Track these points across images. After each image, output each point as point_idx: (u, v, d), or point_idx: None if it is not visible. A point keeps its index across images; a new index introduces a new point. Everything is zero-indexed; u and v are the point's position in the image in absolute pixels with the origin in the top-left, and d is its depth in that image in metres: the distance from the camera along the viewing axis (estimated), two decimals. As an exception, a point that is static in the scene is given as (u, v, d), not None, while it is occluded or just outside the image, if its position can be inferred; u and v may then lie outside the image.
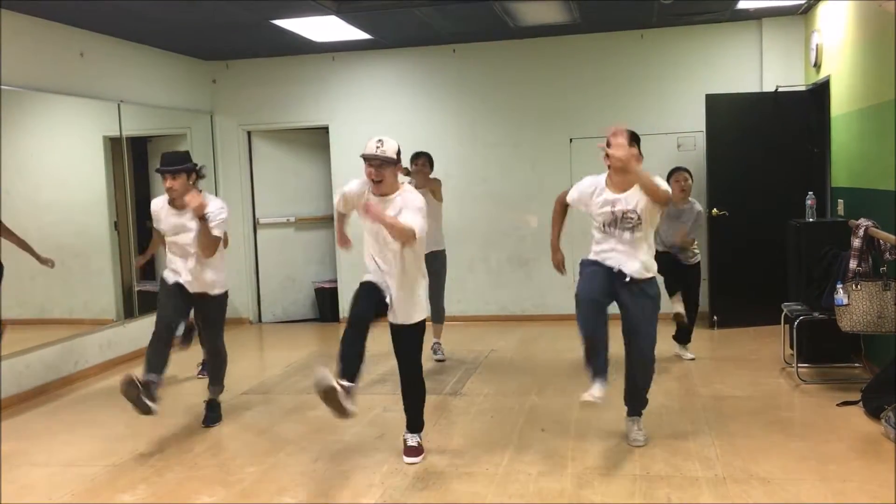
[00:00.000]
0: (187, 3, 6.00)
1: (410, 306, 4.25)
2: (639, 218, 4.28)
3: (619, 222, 4.31)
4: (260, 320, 8.97)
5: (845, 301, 4.94)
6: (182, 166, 4.77)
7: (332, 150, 8.58)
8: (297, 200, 8.93)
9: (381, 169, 4.08)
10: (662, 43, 7.85)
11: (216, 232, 4.73)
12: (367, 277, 4.22)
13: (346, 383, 3.93)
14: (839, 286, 4.98)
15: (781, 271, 6.45)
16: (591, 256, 4.45)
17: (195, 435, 4.88)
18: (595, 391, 4.12)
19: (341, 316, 8.64)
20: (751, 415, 4.82)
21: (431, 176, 6.44)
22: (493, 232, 8.34)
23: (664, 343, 6.34)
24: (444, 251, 6.46)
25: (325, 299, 8.85)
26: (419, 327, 4.31)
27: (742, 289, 7.24)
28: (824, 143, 6.89)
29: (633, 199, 4.28)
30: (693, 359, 6.23)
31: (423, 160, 6.40)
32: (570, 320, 7.87)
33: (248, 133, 8.82)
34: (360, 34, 7.39)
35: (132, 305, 7.31)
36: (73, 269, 6.77)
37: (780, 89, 7.28)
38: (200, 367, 6.28)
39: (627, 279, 4.28)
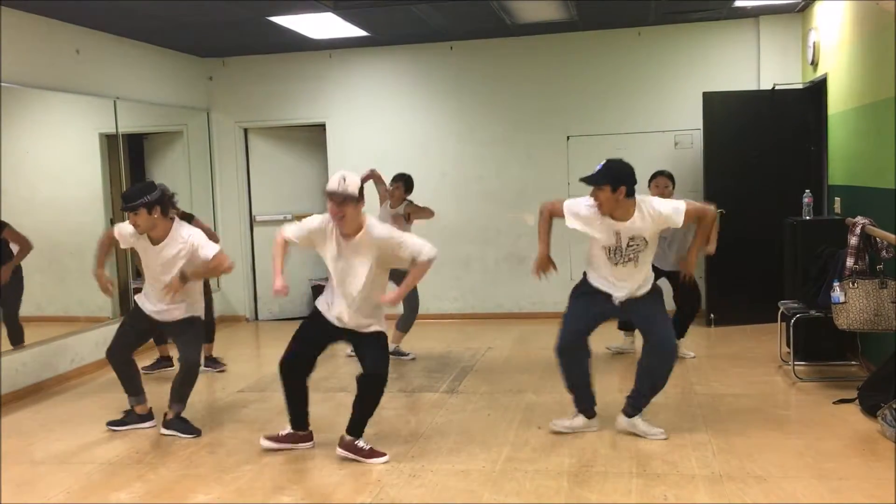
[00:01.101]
0: (184, 1, 5.98)
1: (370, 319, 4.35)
2: (646, 242, 4.30)
3: (624, 250, 4.31)
4: (256, 318, 8.95)
5: (842, 299, 4.94)
6: (137, 202, 4.46)
7: (329, 148, 8.57)
8: (293, 198, 8.91)
9: (342, 206, 4.09)
10: (660, 41, 7.85)
11: (206, 252, 4.65)
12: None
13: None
14: (836, 284, 4.98)
15: (778, 269, 6.45)
16: (592, 280, 4.47)
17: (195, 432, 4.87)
18: (574, 423, 4.56)
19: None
20: (747, 413, 4.83)
21: (416, 202, 6.61)
22: (490, 230, 8.33)
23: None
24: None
25: (322, 297, 8.82)
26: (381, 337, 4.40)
27: (739, 287, 7.24)
28: (821, 141, 6.89)
29: (638, 225, 4.27)
30: (693, 357, 6.23)
31: (399, 183, 6.55)
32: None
33: (245, 130, 8.80)
34: (357, 31, 7.38)
35: (128, 303, 7.28)
36: (68, 266, 6.75)
37: (777, 87, 7.28)
38: (204, 362, 6.30)
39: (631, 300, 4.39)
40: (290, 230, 4.37)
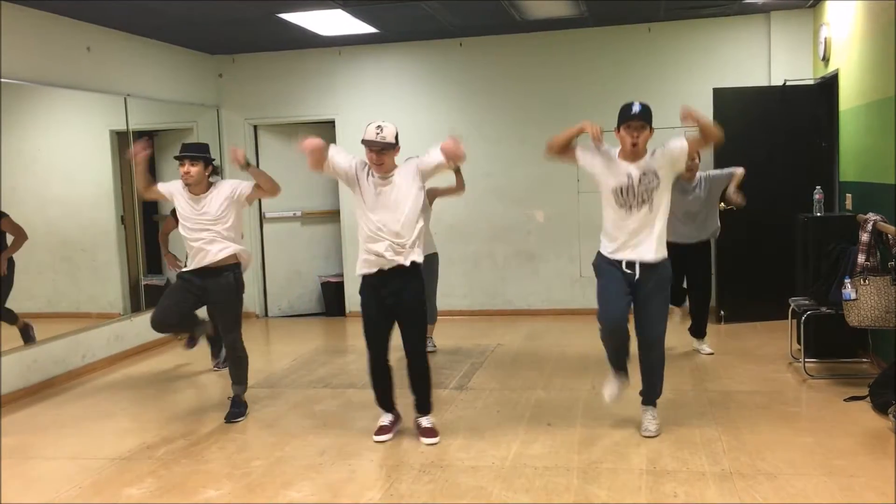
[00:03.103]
0: (193, -3, 6.01)
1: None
2: (657, 178, 4.25)
3: (636, 189, 4.27)
4: (266, 314, 8.98)
5: (853, 296, 4.92)
6: (203, 154, 4.93)
7: (339, 144, 8.55)
8: (303, 195, 8.92)
9: (381, 154, 4.30)
10: (670, 36, 7.82)
11: (241, 189, 5.03)
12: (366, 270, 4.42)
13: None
14: (847, 281, 4.96)
15: (789, 266, 6.43)
16: (607, 252, 4.41)
17: (202, 428, 4.89)
18: (613, 389, 4.57)
19: (347, 310, 8.66)
20: (758, 409, 4.81)
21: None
22: (499, 227, 8.32)
23: (680, 338, 6.37)
24: (436, 254, 6.50)
25: (331, 293, 8.86)
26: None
27: (749, 283, 7.22)
28: (832, 138, 6.86)
29: (651, 163, 4.28)
30: (711, 353, 6.22)
31: None
32: (576, 315, 7.96)
33: (255, 127, 8.82)
34: (366, 28, 7.38)
35: (139, 299, 7.33)
36: (79, 263, 6.78)
37: (787, 83, 7.24)
38: (216, 361, 6.35)
39: (643, 266, 4.30)
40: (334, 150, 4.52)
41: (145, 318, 7.15)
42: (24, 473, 4.31)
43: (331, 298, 8.88)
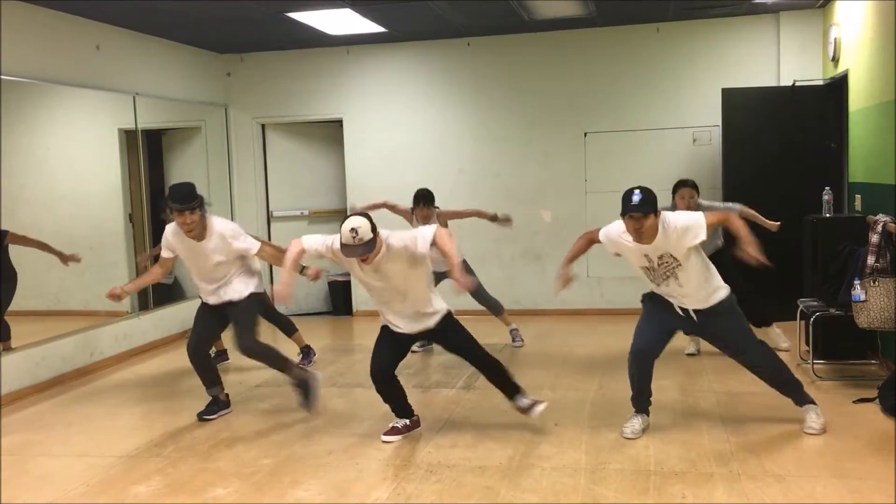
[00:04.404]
0: (202, -4, 6.02)
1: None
2: (676, 260, 4.21)
3: (658, 269, 4.28)
4: (273, 313, 8.98)
5: (862, 297, 4.90)
6: (196, 202, 4.75)
7: (346, 144, 8.58)
8: (310, 194, 8.94)
9: (364, 254, 4.16)
10: (678, 37, 7.81)
11: (242, 245, 4.91)
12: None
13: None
14: (856, 282, 4.94)
15: (797, 267, 6.40)
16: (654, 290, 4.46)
17: (210, 427, 4.90)
18: (634, 426, 4.46)
19: (354, 309, 8.67)
20: (766, 411, 4.79)
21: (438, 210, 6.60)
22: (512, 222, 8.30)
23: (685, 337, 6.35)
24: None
25: (339, 293, 8.86)
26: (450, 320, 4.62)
27: (757, 284, 7.17)
28: (842, 138, 6.84)
29: (661, 243, 4.19)
30: (787, 349, 6.08)
31: (419, 203, 6.45)
32: (584, 315, 7.94)
33: (263, 126, 8.83)
34: (374, 27, 7.39)
35: (147, 298, 7.34)
36: (88, 261, 6.80)
37: (797, 84, 7.22)
38: (215, 354, 6.40)
39: (698, 311, 4.35)
40: (313, 244, 4.38)
41: (153, 316, 7.22)
42: (32, 471, 4.33)
43: (338, 297, 8.88)
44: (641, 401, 4.55)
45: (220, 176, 8.55)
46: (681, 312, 4.37)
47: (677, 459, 4.08)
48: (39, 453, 4.62)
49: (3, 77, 5.70)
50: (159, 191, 7.36)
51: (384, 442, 4.50)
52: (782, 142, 7.16)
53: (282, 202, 8.92)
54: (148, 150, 7.52)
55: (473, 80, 8.27)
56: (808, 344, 5.79)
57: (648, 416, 4.59)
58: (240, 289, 5.01)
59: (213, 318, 5.09)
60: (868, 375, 5.39)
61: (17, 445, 4.74)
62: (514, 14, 7.05)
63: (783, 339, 6.24)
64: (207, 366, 5.17)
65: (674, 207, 5.71)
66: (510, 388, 4.68)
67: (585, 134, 8.06)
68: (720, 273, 5.95)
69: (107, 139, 7.16)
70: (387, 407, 5.10)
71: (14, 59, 5.79)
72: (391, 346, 4.56)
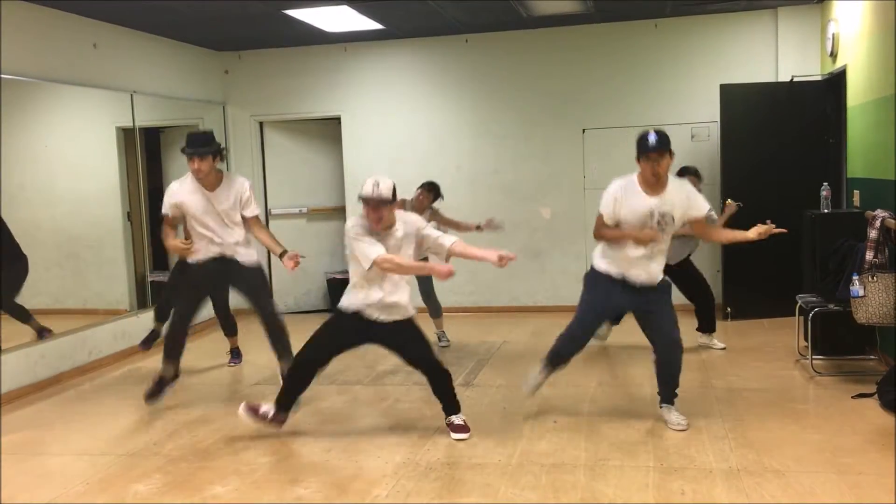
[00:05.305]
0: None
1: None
2: (674, 221, 4.36)
3: (654, 226, 4.35)
4: (272, 311, 8.97)
5: (861, 293, 4.90)
6: (210, 148, 4.82)
7: (345, 141, 8.57)
8: (309, 191, 8.93)
9: (378, 209, 4.23)
10: (676, 33, 7.80)
11: (251, 212, 5.05)
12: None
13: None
14: (855, 278, 4.94)
15: (796, 263, 6.41)
16: (609, 268, 4.49)
17: (209, 425, 4.90)
18: (539, 378, 4.78)
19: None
20: (765, 407, 4.80)
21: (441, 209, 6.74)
22: (506, 223, 8.28)
23: (686, 334, 6.35)
24: (426, 257, 6.66)
25: (337, 290, 8.80)
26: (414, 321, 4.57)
27: (756, 280, 7.21)
28: (840, 134, 6.84)
29: (671, 201, 4.34)
30: (724, 348, 6.22)
31: (423, 190, 6.62)
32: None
33: (261, 124, 8.82)
34: (372, 24, 7.38)
35: (145, 296, 7.34)
36: (86, 259, 6.80)
37: (795, 79, 7.22)
38: (231, 357, 6.42)
39: (645, 287, 4.44)
40: (376, 247, 4.27)
41: (151, 314, 7.19)
42: (32, 470, 4.33)
43: (337, 295, 8.75)
44: (560, 363, 4.79)
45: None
46: (623, 290, 4.46)
47: (677, 455, 4.08)
48: (39, 452, 4.62)
49: (0, 76, 5.70)
50: (157, 189, 7.34)
51: (243, 418, 4.52)
52: (781, 137, 7.16)
53: (280, 200, 8.91)
54: (146, 149, 7.52)
55: (472, 77, 8.26)
56: (806, 340, 5.80)
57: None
58: (250, 252, 5.06)
59: (206, 285, 5.11)
60: (867, 371, 5.40)
61: (16, 444, 4.74)
62: (513, 11, 7.05)
63: (719, 342, 6.34)
64: (181, 340, 5.19)
65: None
66: (453, 403, 4.60)
67: (584, 130, 8.05)
68: (690, 276, 6.10)
69: (104, 137, 7.16)
70: (387, 404, 5.12)
71: (11, 57, 5.78)
72: (338, 342, 4.53)
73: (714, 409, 4.80)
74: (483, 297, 8.39)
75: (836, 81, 6.81)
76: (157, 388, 5.18)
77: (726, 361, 5.95)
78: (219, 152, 4.91)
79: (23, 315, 6.08)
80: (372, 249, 4.22)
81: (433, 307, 6.78)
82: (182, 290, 5.16)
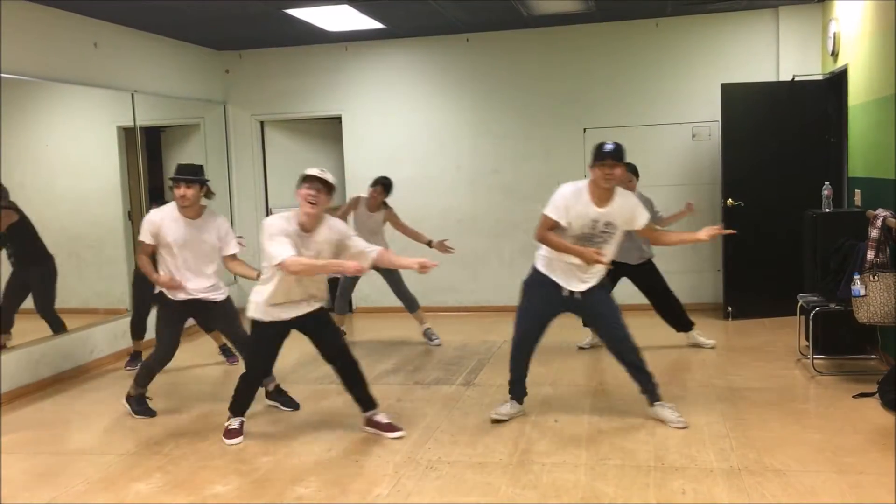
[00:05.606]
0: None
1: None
2: (616, 230, 4.47)
3: (594, 237, 4.45)
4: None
5: (862, 292, 4.90)
6: (198, 178, 4.87)
7: (345, 141, 8.57)
8: (309, 190, 8.91)
9: (320, 192, 4.32)
10: (677, 32, 7.80)
11: (232, 249, 5.00)
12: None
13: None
14: (856, 277, 4.94)
15: (797, 262, 6.40)
16: (549, 271, 4.56)
17: (210, 424, 4.90)
18: (504, 409, 4.74)
19: (354, 306, 8.66)
20: (766, 406, 4.80)
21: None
22: (506, 223, 8.31)
23: (685, 334, 6.37)
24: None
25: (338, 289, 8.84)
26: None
27: (757, 280, 7.20)
28: (841, 133, 6.83)
29: (616, 213, 4.44)
30: (713, 346, 6.23)
31: (378, 187, 6.75)
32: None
33: (262, 123, 8.82)
34: (373, 23, 7.38)
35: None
36: (87, 258, 6.79)
37: (796, 78, 7.21)
38: (225, 356, 6.46)
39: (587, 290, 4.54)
40: (287, 249, 4.23)
41: (151, 314, 7.15)
42: (33, 468, 4.33)
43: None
44: (518, 389, 4.81)
45: (219, 173, 8.54)
46: (566, 293, 4.53)
47: (677, 455, 4.08)
48: (39, 451, 4.61)
49: (1, 75, 5.70)
50: (158, 188, 7.35)
51: (228, 445, 4.51)
52: (782, 137, 7.15)
53: (281, 199, 8.90)
54: (147, 148, 7.51)
55: (472, 77, 8.26)
56: (807, 339, 5.79)
57: (521, 404, 4.81)
58: (221, 291, 5.04)
59: (180, 318, 5.09)
60: (868, 370, 5.39)
61: (17, 443, 4.74)
62: (514, 10, 7.04)
63: (706, 339, 6.35)
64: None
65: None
66: (369, 399, 4.65)
67: (584, 130, 8.05)
68: (653, 280, 6.12)
69: (105, 137, 7.15)
70: (386, 403, 5.12)
71: (12, 56, 5.78)
72: (276, 346, 4.60)
73: (715, 409, 4.79)
74: (483, 296, 8.39)
75: (838, 81, 6.80)
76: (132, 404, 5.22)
77: (727, 361, 5.95)
78: (205, 184, 4.92)
79: (58, 326, 6.20)
80: (282, 249, 4.19)
81: (408, 302, 6.81)
82: (162, 329, 5.13)
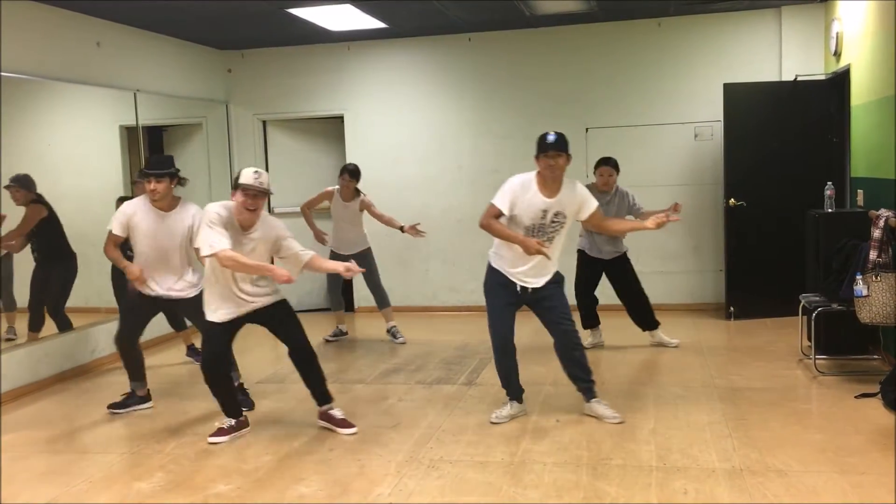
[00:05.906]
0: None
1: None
2: (564, 222, 4.52)
3: (546, 227, 4.49)
4: (275, 310, 8.98)
5: (865, 292, 4.90)
6: (166, 171, 4.84)
7: (347, 140, 8.57)
8: (311, 190, 8.87)
9: (257, 199, 4.34)
10: (680, 31, 7.79)
11: (195, 244, 4.77)
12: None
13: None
14: (858, 277, 4.94)
15: (799, 262, 6.40)
16: (503, 267, 4.62)
17: (211, 423, 4.89)
18: (504, 412, 4.72)
19: (356, 305, 8.67)
20: (768, 406, 4.79)
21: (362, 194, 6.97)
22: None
23: (687, 333, 6.36)
24: (369, 248, 7.00)
25: (338, 289, 8.83)
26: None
27: (759, 280, 7.19)
28: (844, 133, 6.82)
29: (564, 202, 4.49)
30: (677, 345, 6.26)
31: (345, 175, 6.91)
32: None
33: (264, 122, 8.82)
34: (375, 23, 7.38)
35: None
36: (89, 257, 6.78)
37: (799, 78, 7.20)
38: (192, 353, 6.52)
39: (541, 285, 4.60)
40: (223, 240, 4.25)
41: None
42: (34, 467, 4.33)
43: (337, 294, 8.85)
44: (513, 390, 4.80)
45: (221, 172, 8.54)
46: (519, 290, 4.59)
47: (679, 455, 4.08)
48: (41, 450, 4.62)
49: (3, 74, 5.70)
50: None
51: (210, 443, 4.52)
52: (784, 137, 7.14)
53: (283, 198, 8.88)
54: (149, 147, 7.51)
55: (474, 76, 8.26)
56: (809, 339, 5.79)
57: (521, 402, 4.81)
58: (192, 280, 5.02)
59: (149, 310, 5.12)
60: (870, 370, 5.39)
61: (18, 442, 4.75)
62: (516, 9, 7.04)
63: (670, 338, 6.39)
64: (137, 357, 5.22)
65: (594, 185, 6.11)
66: (324, 393, 4.72)
67: (587, 129, 8.04)
68: (627, 278, 6.19)
69: (108, 136, 7.16)
70: (388, 403, 5.12)
71: (15, 55, 5.78)
72: (226, 330, 4.59)
73: (717, 409, 4.79)
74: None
75: (840, 81, 6.79)
76: (124, 402, 5.26)
77: (729, 361, 5.94)
78: (176, 176, 4.90)
79: (65, 325, 6.23)
80: (218, 240, 4.21)
81: (379, 297, 6.92)
82: (126, 312, 5.16)
